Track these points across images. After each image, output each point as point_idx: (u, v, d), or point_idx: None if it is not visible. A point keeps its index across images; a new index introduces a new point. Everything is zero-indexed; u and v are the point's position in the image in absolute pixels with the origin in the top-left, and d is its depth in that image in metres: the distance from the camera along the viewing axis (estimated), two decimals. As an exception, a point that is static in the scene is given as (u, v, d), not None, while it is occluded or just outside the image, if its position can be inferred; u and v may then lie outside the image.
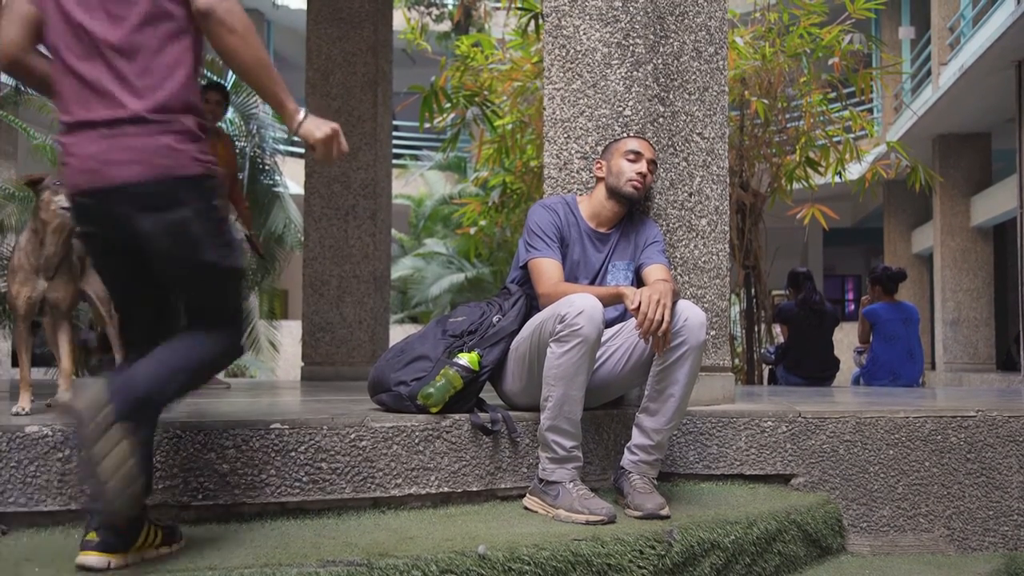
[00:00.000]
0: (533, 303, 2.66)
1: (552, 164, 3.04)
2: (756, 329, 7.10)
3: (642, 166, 2.73)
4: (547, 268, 2.64)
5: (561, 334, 2.30)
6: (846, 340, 9.18)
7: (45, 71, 2.03)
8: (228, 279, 2.03)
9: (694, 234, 3.07)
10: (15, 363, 9.84)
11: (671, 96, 3.06)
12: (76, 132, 1.90)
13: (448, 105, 6.76)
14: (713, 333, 3.03)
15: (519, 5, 6.43)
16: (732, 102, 6.55)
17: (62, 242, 2.50)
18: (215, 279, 2.00)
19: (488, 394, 2.66)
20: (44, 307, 2.56)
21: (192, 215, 1.92)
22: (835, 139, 6.97)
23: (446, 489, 2.40)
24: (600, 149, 2.93)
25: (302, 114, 2.03)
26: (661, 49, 3.04)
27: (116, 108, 1.87)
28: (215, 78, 8.87)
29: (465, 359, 2.52)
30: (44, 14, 1.94)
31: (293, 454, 2.22)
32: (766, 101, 6.54)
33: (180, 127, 1.91)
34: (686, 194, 3.07)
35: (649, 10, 3.01)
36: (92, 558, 1.74)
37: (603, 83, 2.98)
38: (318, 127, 2.02)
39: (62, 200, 2.36)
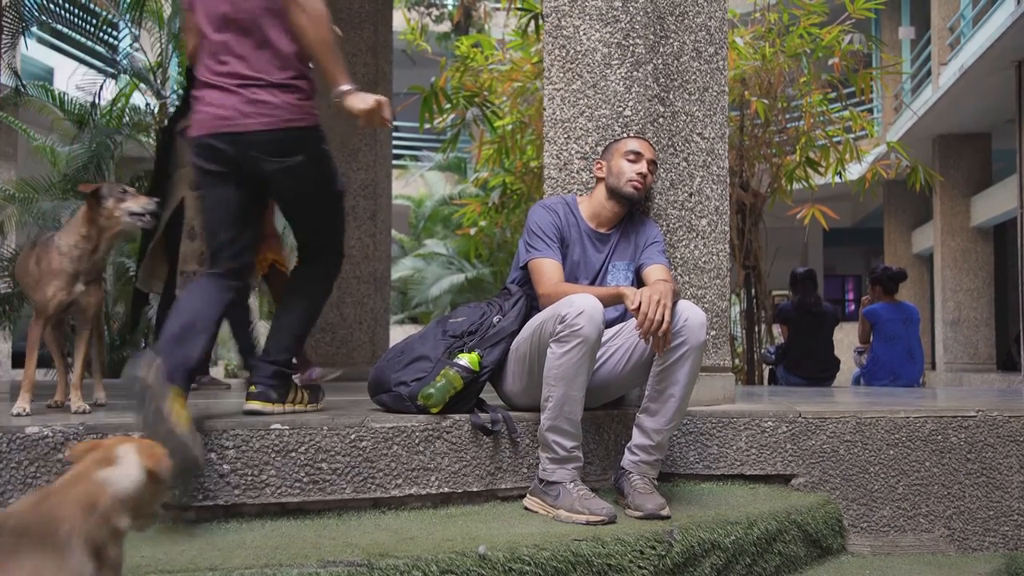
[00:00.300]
0: (533, 303, 2.66)
1: (552, 164, 3.04)
2: (756, 329, 7.10)
3: (642, 166, 2.73)
4: (547, 268, 2.63)
5: (561, 334, 2.30)
6: (846, 340, 9.18)
7: None
8: (332, 205, 2.62)
9: (694, 234, 3.07)
10: (15, 364, 9.84)
11: (671, 96, 3.06)
12: (213, 88, 2.44)
13: (448, 106, 6.76)
14: (713, 333, 3.03)
15: (519, 5, 6.43)
16: (732, 102, 6.55)
17: (109, 248, 2.60)
18: (322, 207, 2.60)
19: (488, 394, 2.66)
20: (68, 310, 2.61)
21: (306, 160, 2.46)
22: (835, 139, 6.96)
23: (446, 489, 2.40)
24: (600, 149, 2.93)
25: (348, 87, 2.43)
26: (661, 49, 3.04)
27: (248, 71, 2.39)
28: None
29: (465, 359, 2.52)
30: (194, 10, 2.52)
31: (293, 454, 2.22)
32: (766, 101, 6.54)
33: (299, 87, 2.43)
34: (686, 194, 3.07)
35: (649, 10, 3.01)
36: (255, 404, 2.44)
37: (603, 83, 2.98)
38: (363, 100, 2.42)
39: (130, 207, 2.57)
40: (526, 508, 2.41)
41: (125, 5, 7.56)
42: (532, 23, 6.29)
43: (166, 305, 4.15)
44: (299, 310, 2.63)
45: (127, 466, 1.39)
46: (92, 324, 2.68)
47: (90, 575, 1.25)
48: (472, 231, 9.23)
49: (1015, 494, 2.82)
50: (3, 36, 6.46)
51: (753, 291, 7.09)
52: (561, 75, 3.03)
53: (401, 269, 14.62)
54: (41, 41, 10.73)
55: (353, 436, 2.29)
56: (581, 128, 2.99)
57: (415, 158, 16.66)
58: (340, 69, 2.43)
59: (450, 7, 14.11)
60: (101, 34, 8.32)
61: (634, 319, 2.35)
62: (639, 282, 2.72)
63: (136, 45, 7.85)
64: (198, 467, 2.10)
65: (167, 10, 7.83)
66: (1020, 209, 9.98)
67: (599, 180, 2.79)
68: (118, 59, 8.09)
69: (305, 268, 2.66)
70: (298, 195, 2.55)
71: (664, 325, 2.30)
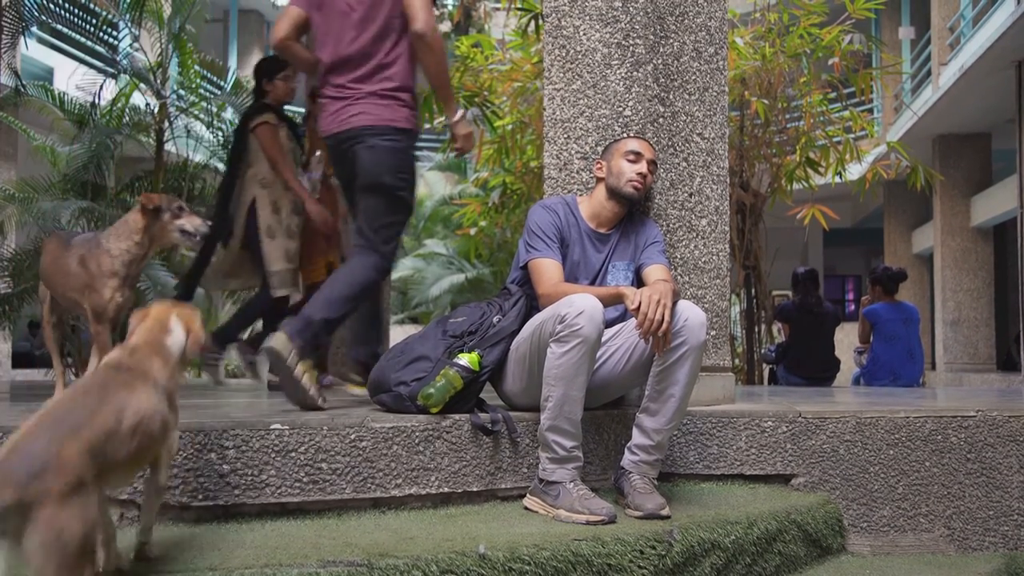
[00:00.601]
0: (533, 303, 2.66)
1: (552, 164, 3.04)
2: (756, 329, 7.10)
3: (642, 166, 2.73)
4: (547, 268, 2.63)
5: (561, 334, 2.30)
6: (846, 340, 9.19)
7: (305, 56, 3.11)
8: (396, 205, 2.95)
9: (694, 234, 3.07)
10: (15, 364, 9.85)
11: (671, 96, 3.06)
12: (331, 98, 2.97)
13: (448, 105, 6.75)
14: (713, 333, 3.03)
15: (519, 5, 6.43)
16: (732, 102, 6.55)
17: (152, 256, 2.79)
18: (386, 199, 2.93)
19: (488, 394, 2.66)
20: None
21: (389, 147, 2.90)
22: (835, 139, 6.96)
23: (446, 489, 2.40)
24: (600, 149, 2.93)
25: (459, 115, 3.05)
26: (661, 49, 3.04)
27: (359, 84, 2.91)
28: (217, 79, 8.86)
29: (465, 359, 2.52)
30: (312, 23, 3.02)
31: (293, 454, 2.22)
32: (766, 101, 6.54)
33: (401, 98, 2.93)
34: (686, 194, 3.07)
35: (649, 10, 3.01)
36: (277, 341, 2.62)
37: (603, 83, 2.98)
38: (464, 127, 3.07)
39: (184, 224, 2.79)
40: (526, 508, 2.41)
41: (125, 5, 7.56)
42: (532, 23, 6.29)
43: (265, 307, 4.15)
44: (341, 278, 2.90)
45: (177, 334, 1.82)
46: (115, 327, 2.73)
47: (164, 411, 1.68)
48: (472, 231, 9.23)
49: (1015, 494, 2.82)
50: (3, 36, 6.45)
51: (753, 291, 7.09)
52: (561, 75, 3.03)
53: (401, 269, 14.62)
54: (41, 41, 10.73)
55: (353, 436, 2.29)
56: (581, 128, 2.99)
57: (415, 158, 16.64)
58: (452, 96, 3.08)
59: (450, 7, 14.11)
60: (101, 34, 8.32)
61: (634, 319, 2.35)
62: (639, 282, 2.72)
63: (136, 45, 7.84)
64: (317, 408, 2.62)
65: (167, 10, 7.83)
66: (1020, 209, 9.98)
67: (599, 180, 2.79)
68: (118, 59, 8.09)
69: (356, 256, 2.96)
70: (370, 175, 2.91)
71: (664, 325, 2.30)
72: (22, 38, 7.57)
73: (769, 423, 2.82)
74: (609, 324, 2.51)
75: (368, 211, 2.95)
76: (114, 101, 7.98)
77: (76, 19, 8.07)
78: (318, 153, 4.18)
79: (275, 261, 4.01)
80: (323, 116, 3.02)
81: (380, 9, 2.91)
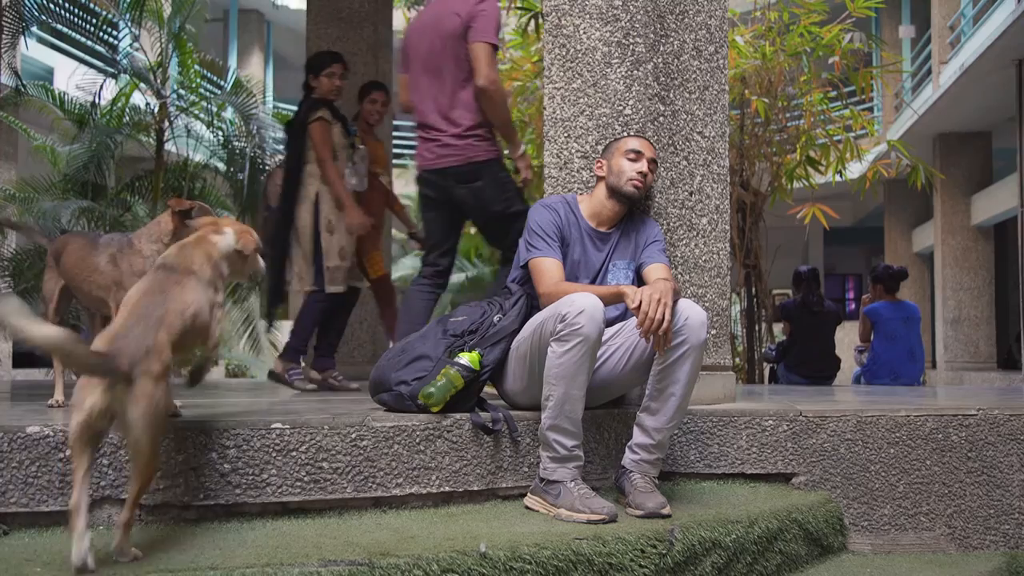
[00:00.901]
0: (534, 303, 2.66)
1: (552, 163, 3.04)
2: (757, 328, 7.10)
3: (643, 165, 2.73)
4: (548, 267, 2.63)
5: (562, 333, 2.30)
6: (847, 339, 9.18)
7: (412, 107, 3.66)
8: (514, 218, 3.38)
9: (695, 233, 3.07)
10: (16, 364, 9.85)
11: (671, 95, 3.06)
12: (422, 139, 3.53)
13: (448, 105, 6.75)
14: (714, 332, 3.03)
15: (519, 5, 6.43)
16: (732, 101, 6.55)
17: None
18: (503, 221, 3.46)
19: (489, 393, 2.66)
20: None
21: (484, 184, 3.44)
22: (835, 138, 6.96)
23: (447, 488, 2.40)
24: (600, 148, 2.93)
25: (521, 150, 3.62)
26: (661, 48, 3.04)
27: (445, 126, 3.44)
28: (217, 79, 8.87)
29: (466, 358, 2.52)
30: (410, 78, 3.61)
31: (294, 454, 2.22)
32: (766, 100, 6.54)
33: (479, 133, 3.43)
34: (687, 193, 3.07)
35: (649, 9, 3.00)
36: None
37: (603, 82, 2.98)
38: (526, 160, 3.64)
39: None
40: (527, 507, 2.41)
41: (125, 5, 7.56)
42: (532, 22, 6.29)
43: (322, 309, 4.14)
44: (498, 284, 3.33)
45: (227, 237, 2.19)
46: None
47: (210, 298, 2.07)
48: (472, 230, 9.22)
49: (1016, 492, 2.81)
50: (3, 36, 6.46)
51: (754, 290, 7.09)
52: (561, 74, 3.03)
53: (401, 269, 14.61)
54: (41, 41, 10.72)
55: (354, 435, 2.29)
56: (581, 127, 2.99)
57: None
58: (515, 137, 3.60)
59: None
60: (101, 34, 8.32)
61: (635, 318, 2.35)
62: (639, 281, 2.72)
63: (136, 45, 7.85)
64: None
65: (167, 10, 7.83)
66: (1020, 208, 9.98)
67: (599, 179, 2.79)
68: (118, 59, 8.09)
69: (503, 267, 3.58)
70: (483, 212, 3.49)
71: (665, 324, 2.29)
72: (22, 38, 7.56)
73: (770, 422, 2.82)
74: (610, 323, 2.51)
75: (496, 236, 3.59)
76: (114, 101, 7.98)
77: (76, 19, 8.06)
78: (361, 147, 4.22)
79: (332, 257, 4.04)
80: (419, 152, 3.57)
81: (449, 59, 3.41)
